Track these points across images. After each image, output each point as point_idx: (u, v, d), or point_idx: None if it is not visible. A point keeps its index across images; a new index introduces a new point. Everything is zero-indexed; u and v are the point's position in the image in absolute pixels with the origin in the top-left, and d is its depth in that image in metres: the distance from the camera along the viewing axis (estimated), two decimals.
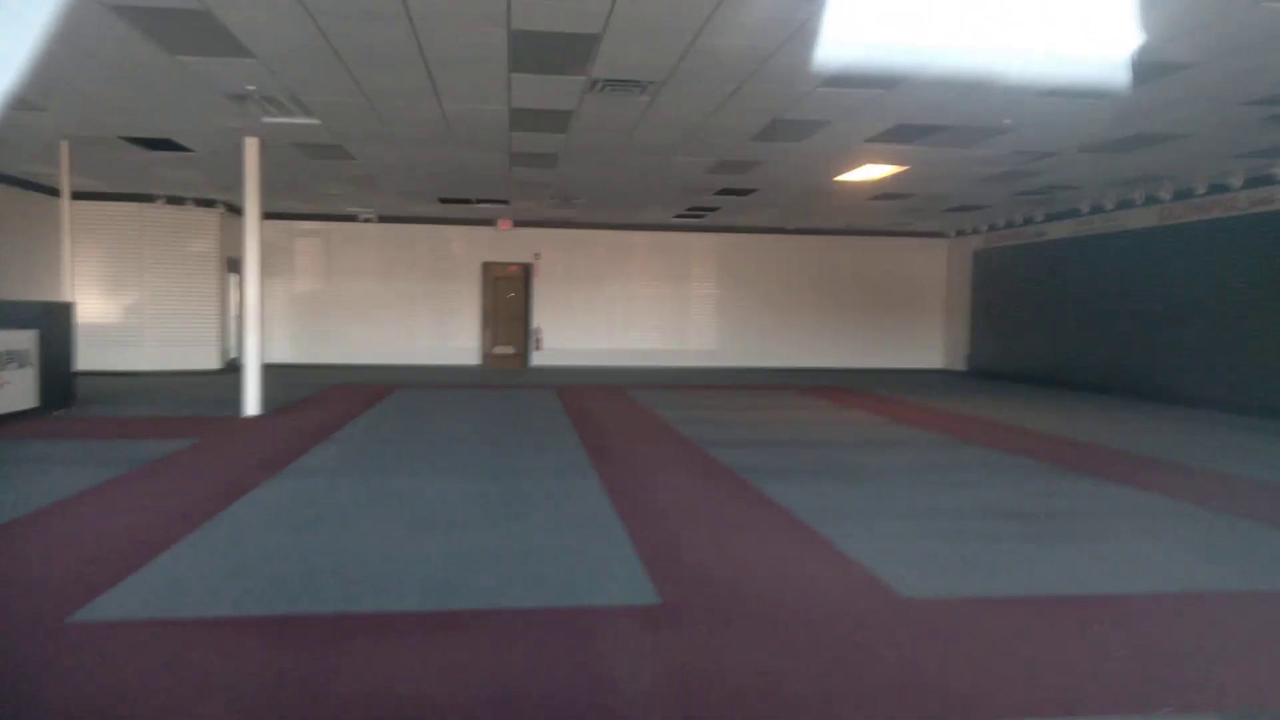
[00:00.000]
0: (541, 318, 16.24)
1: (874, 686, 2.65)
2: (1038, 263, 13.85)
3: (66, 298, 9.01)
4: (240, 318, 8.78)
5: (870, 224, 15.61)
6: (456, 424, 8.34)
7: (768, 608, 3.33)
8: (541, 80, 6.49)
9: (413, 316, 15.98)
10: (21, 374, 7.93)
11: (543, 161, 9.87)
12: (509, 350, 16.31)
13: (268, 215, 9.19)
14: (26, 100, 7.17)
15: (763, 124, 7.76)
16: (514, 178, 11.03)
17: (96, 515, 4.65)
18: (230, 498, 4.96)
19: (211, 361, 13.71)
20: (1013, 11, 4.89)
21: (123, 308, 13.15)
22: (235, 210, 13.54)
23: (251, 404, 8.65)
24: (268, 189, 9.07)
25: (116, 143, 8.99)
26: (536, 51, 5.78)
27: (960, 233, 16.20)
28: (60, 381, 8.62)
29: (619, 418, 9.02)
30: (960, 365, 16.38)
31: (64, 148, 8.89)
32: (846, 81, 6.35)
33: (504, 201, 13.41)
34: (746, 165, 9.84)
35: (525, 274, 16.22)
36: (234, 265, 13.66)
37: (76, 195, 9.81)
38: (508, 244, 16.01)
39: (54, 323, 8.49)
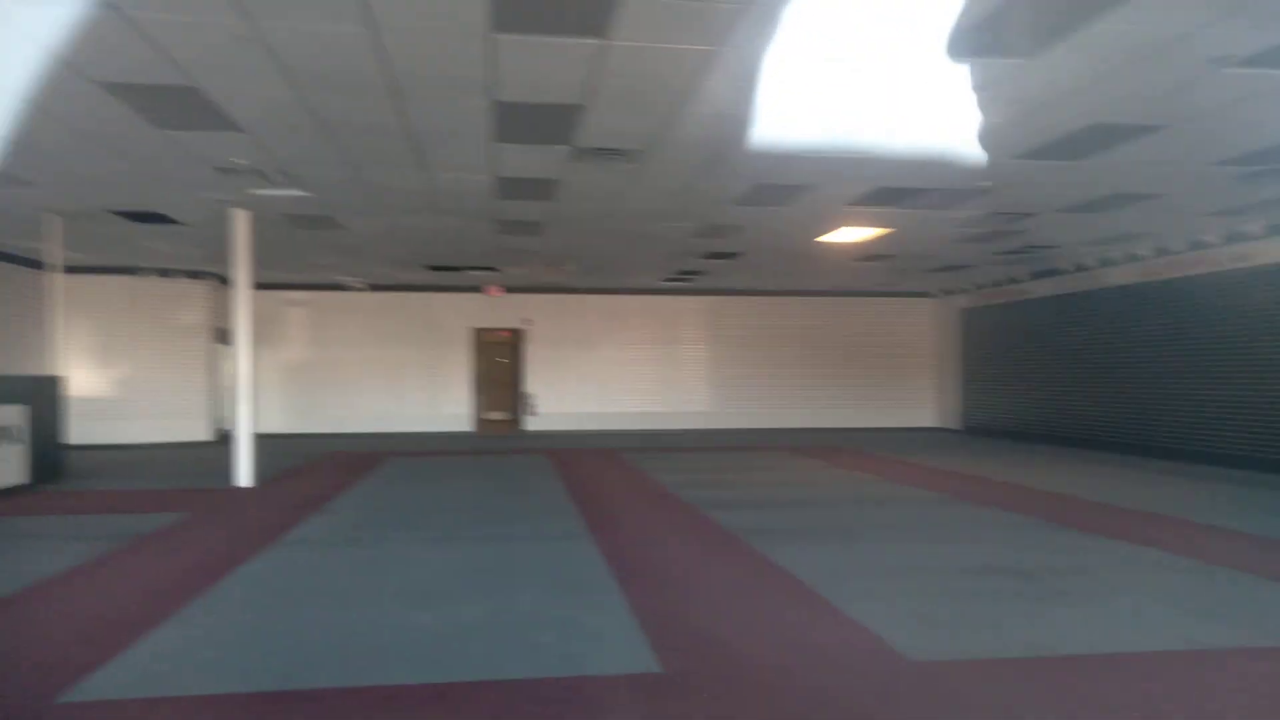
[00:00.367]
0: (534, 382, 16.27)
1: None
2: (1024, 320, 14.05)
3: (56, 372, 8.99)
4: (231, 388, 8.76)
5: (858, 285, 15.83)
6: (450, 491, 8.28)
7: (772, 674, 3.29)
8: (527, 150, 6.64)
9: (404, 384, 15.96)
10: (11, 450, 7.87)
11: (530, 229, 10.02)
12: (501, 415, 16.28)
13: (257, 286, 9.25)
14: (14, 175, 7.25)
15: (746, 189, 7.94)
16: (502, 245, 11.18)
17: (86, 592, 4.57)
18: (221, 572, 4.89)
19: (202, 433, 13.62)
20: (987, 90, 5.09)
21: (112, 381, 13.11)
22: (225, 281, 13.62)
23: (243, 475, 8.57)
24: (257, 259, 9.15)
25: (105, 216, 9.06)
26: (522, 122, 5.92)
27: (947, 292, 16.43)
28: (50, 456, 8.55)
29: (614, 481, 8.98)
30: (952, 424, 16.44)
31: (53, 222, 8.93)
32: (828, 148, 6.54)
33: (493, 269, 13.55)
34: (731, 229, 10.01)
35: (516, 339, 16.31)
36: (223, 336, 13.69)
37: (64, 268, 9.86)
38: (498, 310, 16.13)
39: (43, 397, 8.46)
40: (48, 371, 9.12)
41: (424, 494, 8.10)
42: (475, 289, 15.73)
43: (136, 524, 6.42)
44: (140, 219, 9.27)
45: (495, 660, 3.43)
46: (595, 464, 10.70)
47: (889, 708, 2.95)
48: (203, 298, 13.68)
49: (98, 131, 6.08)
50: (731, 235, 10.42)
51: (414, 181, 7.63)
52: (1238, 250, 9.85)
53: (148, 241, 10.79)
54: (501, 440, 14.53)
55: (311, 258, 12.34)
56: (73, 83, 5.03)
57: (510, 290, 15.90)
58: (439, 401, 16.07)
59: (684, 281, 15.23)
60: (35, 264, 11.21)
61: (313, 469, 10.16)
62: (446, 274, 14.18)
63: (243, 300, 8.73)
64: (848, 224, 9.67)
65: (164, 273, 13.23)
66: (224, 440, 11.67)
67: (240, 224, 8.69)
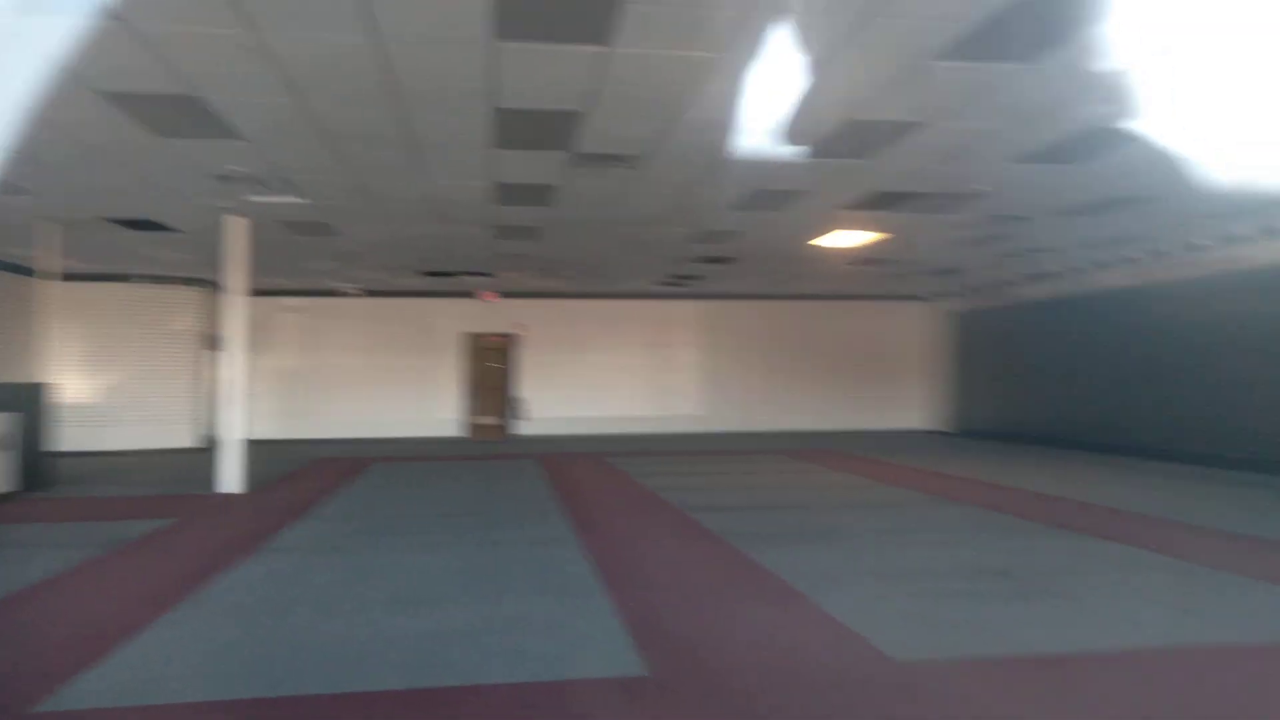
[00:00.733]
0: (526, 387, 16.24)
1: None
2: (1018, 323, 14.06)
3: (47, 379, 8.96)
4: (222, 394, 8.73)
5: (852, 288, 15.83)
6: (438, 496, 8.25)
7: (758, 677, 3.28)
8: (526, 156, 6.65)
9: (395, 389, 15.92)
10: (2, 457, 7.84)
11: (527, 234, 10.02)
12: (493, 420, 16.25)
13: (252, 292, 9.23)
14: (11, 184, 7.24)
15: (743, 194, 7.94)
16: (499, 250, 11.17)
17: (70, 599, 4.54)
18: (208, 578, 4.87)
19: (193, 439, 13.57)
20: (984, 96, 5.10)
21: (103, 387, 13.06)
22: (217, 287, 13.58)
23: (231, 481, 8.54)
24: (252, 266, 9.14)
25: (100, 224, 9.05)
26: (521, 128, 5.93)
27: (941, 295, 16.45)
28: (41, 463, 8.51)
29: (603, 486, 8.97)
30: (945, 426, 16.45)
31: (49, 230, 8.92)
32: (826, 152, 6.54)
33: (488, 274, 13.54)
34: (727, 234, 10.02)
35: (508, 344, 16.29)
36: (214, 342, 13.64)
37: (57, 276, 9.84)
38: (491, 315, 16.11)
39: (33, 404, 8.42)
40: (39, 379, 9.08)
41: (412, 499, 8.08)
42: (468, 294, 15.72)
43: (124, 530, 6.38)
44: (136, 226, 9.25)
45: (480, 665, 3.41)
46: (585, 468, 10.68)
47: (874, 708, 2.94)
48: (196, 304, 13.63)
49: (98, 141, 6.07)
50: (727, 240, 10.42)
51: (413, 188, 7.62)
52: (1229, 252, 9.85)
53: (142, 249, 10.76)
54: (493, 445, 14.51)
55: (307, 264, 12.32)
56: (75, 93, 5.02)
57: (504, 295, 15.89)
58: (430, 407, 16.03)
59: (679, 286, 15.23)
60: (26, 271, 11.18)
61: (301, 474, 10.13)
62: (440, 279, 14.17)
63: (237, 306, 8.71)
64: (844, 228, 9.68)
65: (157, 279, 13.20)
66: (214, 446, 11.63)
67: (236, 230, 8.66)
